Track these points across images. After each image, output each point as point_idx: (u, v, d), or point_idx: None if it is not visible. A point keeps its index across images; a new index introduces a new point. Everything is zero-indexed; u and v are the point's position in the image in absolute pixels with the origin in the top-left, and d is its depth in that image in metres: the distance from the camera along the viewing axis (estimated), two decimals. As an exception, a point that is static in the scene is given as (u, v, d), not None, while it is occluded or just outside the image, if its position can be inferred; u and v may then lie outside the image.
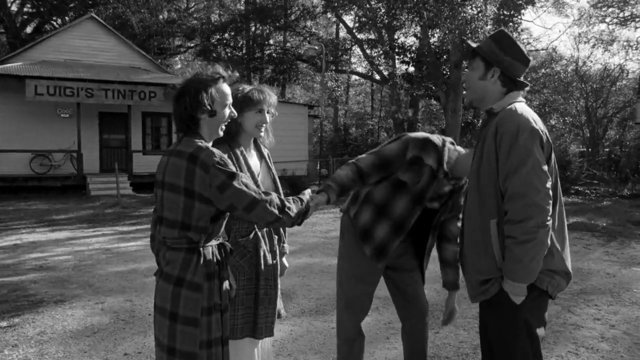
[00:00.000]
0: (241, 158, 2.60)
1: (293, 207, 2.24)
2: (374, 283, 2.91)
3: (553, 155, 2.18)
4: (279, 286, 2.76)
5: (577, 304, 5.27)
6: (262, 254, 2.59)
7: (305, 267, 6.84)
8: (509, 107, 2.19)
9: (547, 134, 2.17)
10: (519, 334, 2.12)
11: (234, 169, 2.12)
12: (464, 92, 2.50)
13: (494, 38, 2.26)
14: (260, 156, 2.78)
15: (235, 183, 2.10)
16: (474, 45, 2.30)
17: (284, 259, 2.89)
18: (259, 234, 2.59)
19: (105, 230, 10.28)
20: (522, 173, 2.02)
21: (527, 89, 2.32)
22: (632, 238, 9.23)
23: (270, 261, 2.63)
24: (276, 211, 2.15)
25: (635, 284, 6.09)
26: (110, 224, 11.13)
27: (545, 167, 2.07)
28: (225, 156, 2.13)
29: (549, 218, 2.02)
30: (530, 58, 2.24)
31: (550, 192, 2.06)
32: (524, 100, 2.29)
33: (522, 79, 2.28)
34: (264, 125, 2.66)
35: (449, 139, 2.77)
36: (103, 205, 14.02)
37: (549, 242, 2.05)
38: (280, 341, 4.18)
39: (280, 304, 2.77)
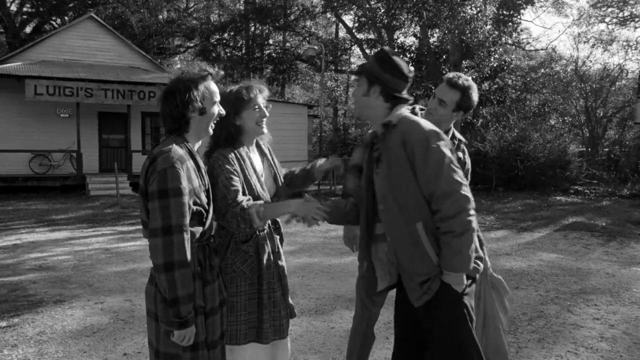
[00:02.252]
0: (247, 159, 2.55)
1: (178, 283, 2.01)
2: None
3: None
4: (288, 286, 2.70)
5: (576, 304, 5.27)
6: (264, 257, 2.54)
7: (304, 267, 6.84)
8: (405, 117, 2.33)
9: None
10: (465, 320, 2.27)
11: (174, 187, 2.01)
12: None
13: (376, 57, 2.41)
14: (262, 154, 2.73)
15: (159, 201, 2.00)
16: (359, 64, 2.51)
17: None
18: (260, 236, 2.55)
19: (105, 230, 10.28)
20: (443, 173, 2.18)
21: (412, 102, 2.46)
22: (632, 238, 9.23)
23: (272, 264, 2.58)
24: (162, 259, 2.00)
25: (635, 284, 6.10)
26: (110, 224, 11.13)
27: (456, 162, 2.27)
28: (184, 169, 2.04)
29: (474, 205, 2.22)
30: (410, 75, 2.39)
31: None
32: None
33: (404, 93, 2.42)
34: (264, 119, 2.61)
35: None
36: (102, 205, 14.01)
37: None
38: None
39: (291, 303, 2.72)
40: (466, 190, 2.20)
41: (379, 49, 2.52)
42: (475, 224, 2.20)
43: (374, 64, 2.38)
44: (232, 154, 2.49)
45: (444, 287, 2.24)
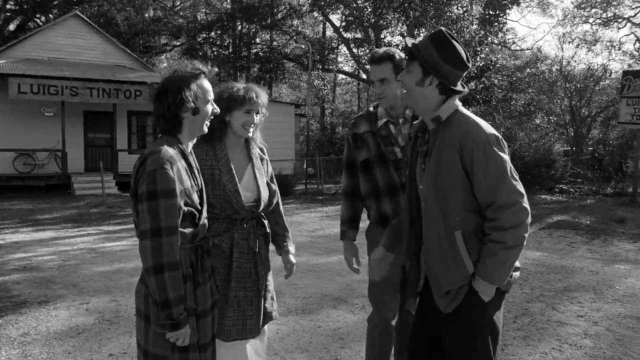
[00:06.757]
0: (223, 159, 2.54)
1: (168, 286, 1.98)
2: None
3: None
4: (269, 288, 2.67)
5: (560, 301, 5.33)
6: (236, 255, 2.52)
7: (292, 266, 6.83)
8: (464, 115, 2.14)
9: None
10: (484, 330, 2.14)
11: (163, 188, 1.98)
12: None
13: (434, 42, 2.12)
14: (248, 159, 2.66)
15: (147, 203, 1.97)
16: (410, 44, 2.17)
17: (290, 256, 2.81)
18: (236, 235, 2.53)
19: (90, 230, 10.19)
20: (506, 182, 2.04)
21: (466, 91, 2.20)
22: (615, 236, 9.35)
23: (247, 262, 2.55)
24: (151, 262, 1.97)
25: (618, 281, 6.18)
26: (95, 223, 11.03)
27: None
28: (174, 170, 2.01)
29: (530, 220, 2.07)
30: (470, 64, 2.15)
31: None
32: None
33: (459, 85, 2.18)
34: (252, 125, 2.57)
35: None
36: (88, 205, 13.89)
37: None
38: (267, 340, 4.17)
39: (272, 306, 2.71)
40: (526, 202, 2.05)
41: (437, 29, 2.17)
42: (526, 240, 2.05)
43: (433, 51, 2.10)
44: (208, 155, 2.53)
45: (471, 294, 2.12)
